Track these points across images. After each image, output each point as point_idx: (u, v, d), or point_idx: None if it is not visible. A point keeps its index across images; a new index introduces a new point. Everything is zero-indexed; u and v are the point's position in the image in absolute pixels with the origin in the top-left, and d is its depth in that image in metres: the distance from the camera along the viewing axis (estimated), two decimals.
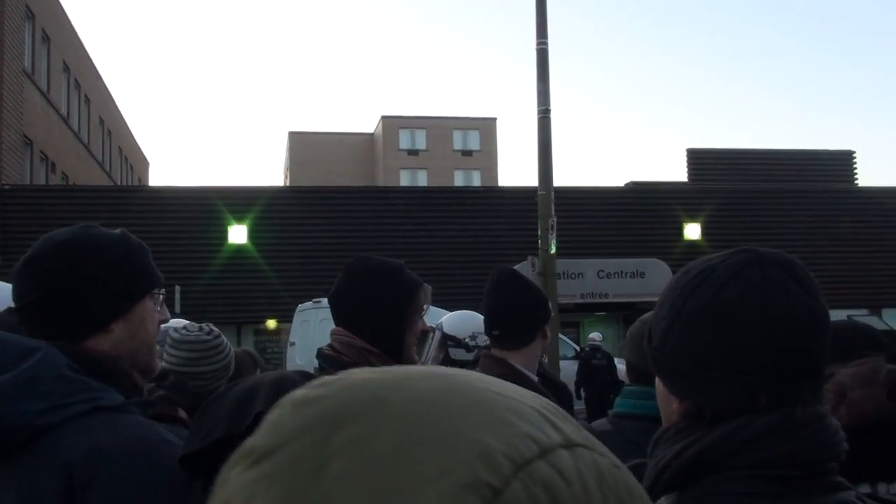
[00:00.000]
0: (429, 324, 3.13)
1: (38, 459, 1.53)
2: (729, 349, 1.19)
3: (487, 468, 0.48)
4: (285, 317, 18.18)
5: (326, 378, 0.56)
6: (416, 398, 0.52)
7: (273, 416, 0.54)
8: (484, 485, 0.47)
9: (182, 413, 2.60)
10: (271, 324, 22.83)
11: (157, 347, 1.88)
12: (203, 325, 3.29)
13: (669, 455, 1.20)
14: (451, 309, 4.93)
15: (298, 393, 0.55)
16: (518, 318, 3.05)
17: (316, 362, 2.57)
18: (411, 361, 2.51)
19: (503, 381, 0.56)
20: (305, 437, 0.51)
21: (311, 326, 14.14)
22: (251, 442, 0.54)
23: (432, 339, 3.92)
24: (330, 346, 2.56)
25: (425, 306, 2.61)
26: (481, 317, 3.71)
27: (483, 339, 3.72)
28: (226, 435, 1.27)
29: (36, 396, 1.53)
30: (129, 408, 1.65)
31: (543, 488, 0.48)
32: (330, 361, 2.49)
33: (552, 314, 3.43)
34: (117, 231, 1.83)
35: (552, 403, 0.56)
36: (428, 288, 2.63)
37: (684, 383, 1.25)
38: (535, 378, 3.05)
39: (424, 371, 0.56)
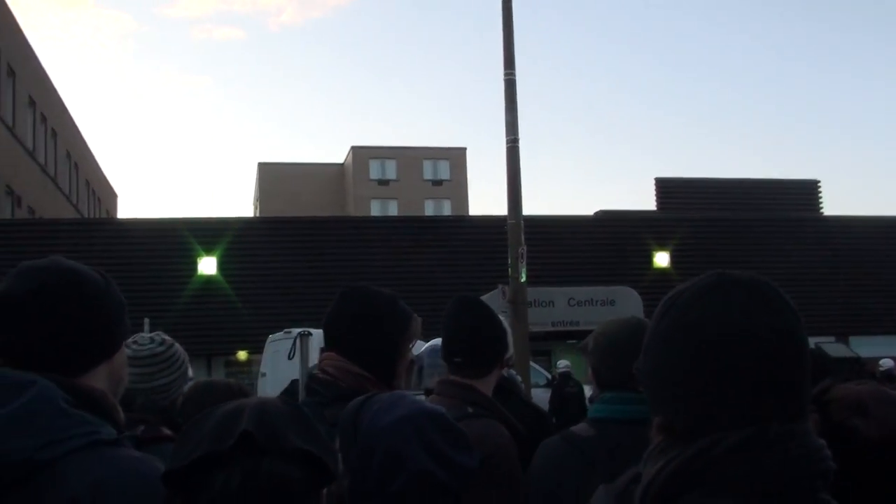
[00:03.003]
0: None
1: (40, 494, 1.51)
2: (688, 368, 1.24)
3: None
4: (256, 348, 18.05)
5: None
6: None
7: None
8: None
9: (166, 430, 2.58)
10: (242, 355, 22.65)
11: None
12: (153, 335, 3.24)
13: (653, 472, 1.24)
14: (422, 338, 4.93)
15: None
16: (484, 347, 3.01)
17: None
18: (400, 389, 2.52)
19: None
20: None
21: (282, 357, 14.04)
22: None
23: (416, 368, 3.91)
24: (322, 370, 2.57)
25: (415, 337, 2.64)
26: None
27: None
28: (208, 452, 1.28)
29: (34, 431, 1.52)
30: (124, 442, 1.65)
31: None
32: (325, 385, 2.50)
33: (514, 345, 3.41)
34: (90, 268, 1.83)
35: None
36: (418, 319, 2.67)
37: (654, 400, 1.31)
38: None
39: None
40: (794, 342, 1.24)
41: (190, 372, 4.99)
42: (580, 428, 2.58)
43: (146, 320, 18.57)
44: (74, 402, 1.61)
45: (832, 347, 11.75)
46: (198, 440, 1.32)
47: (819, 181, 30.84)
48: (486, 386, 2.96)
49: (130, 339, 3.26)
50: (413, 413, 1.85)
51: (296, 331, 11.51)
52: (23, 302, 1.67)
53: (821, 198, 30.42)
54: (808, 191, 30.36)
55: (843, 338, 22.56)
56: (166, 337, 3.22)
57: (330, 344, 2.61)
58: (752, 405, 1.20)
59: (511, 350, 3.71)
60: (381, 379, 2.51)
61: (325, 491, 1.54)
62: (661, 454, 1.25)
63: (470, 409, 2.76)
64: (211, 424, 1.34)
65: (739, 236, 25.52)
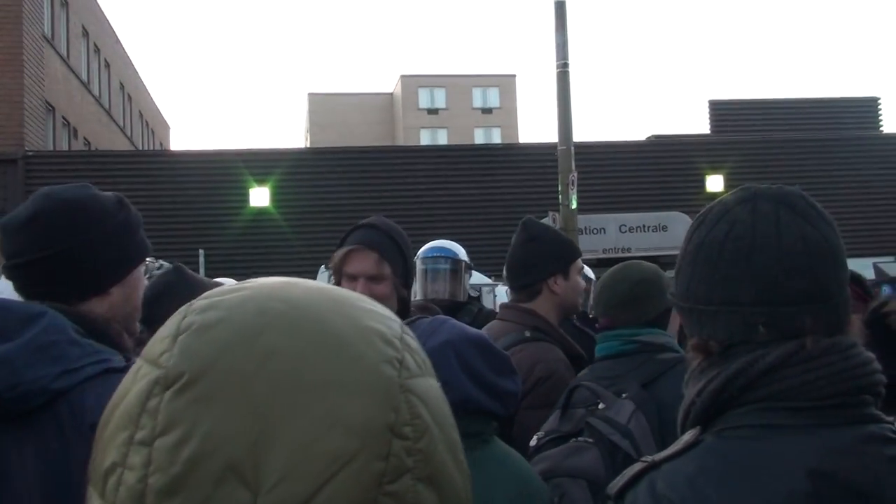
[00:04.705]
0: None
1: (61, 423, 1.54)
2: (720, 283, 1.21)
3: (388, 345, 0.61)
4: (308, 278, 18.23)
5: (209, 302, 0.61)
6: (301, 303, 0.61)
7: (181, 345, 0.58)
8: (393, 358, 0.61)
9: None
10: None
11: None
12: (162, 262, 3.28)
13: (694, 393, 1.22)
14: (475, 267, 4.93)
15: (196, 319, 0.60)
16: (520, 270, 3.02)
17: None
18: None
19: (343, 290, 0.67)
20: (226, 357, 0.56)
21: None
22: (166, 371, 0.57)
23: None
24: None
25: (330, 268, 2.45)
26: (448, 242, 3.98)
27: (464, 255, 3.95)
28: None
29: (49, 361, 1.54)
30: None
31: (415, 350, 0.64)
32: None
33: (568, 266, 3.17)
34: (113, 195, 1.84)
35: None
36: (338, 253, 2.40)
37: (690, 320, 1.28)
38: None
39: (291, 281, 0.66)
40: (827, 250, 1.19)
41: None
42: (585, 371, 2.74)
43: (201, 251, 18.88)
44: (83, 332, 1.64)
45: (891, 267, 11.59)
46: None
47: (879, 98, 29.96)
48: (544, 307, 2.95)
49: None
50: (455, 338, 1.84)
51: None
52: (19, 227, 1.70)
53: (881, 115, 29.58)
54: (867, 109, 29.50)
55: None
56: (181, 266, 3.30)
57: None
58: (786, 318, 1.17)
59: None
60: None
61: None
62: (702, 374, 1.22)
63: (528, 333, 2.77)
64: None
65: (796, 157, 24.96)
